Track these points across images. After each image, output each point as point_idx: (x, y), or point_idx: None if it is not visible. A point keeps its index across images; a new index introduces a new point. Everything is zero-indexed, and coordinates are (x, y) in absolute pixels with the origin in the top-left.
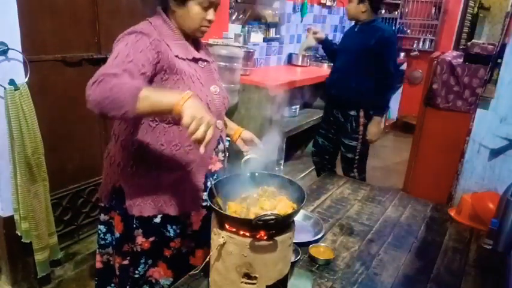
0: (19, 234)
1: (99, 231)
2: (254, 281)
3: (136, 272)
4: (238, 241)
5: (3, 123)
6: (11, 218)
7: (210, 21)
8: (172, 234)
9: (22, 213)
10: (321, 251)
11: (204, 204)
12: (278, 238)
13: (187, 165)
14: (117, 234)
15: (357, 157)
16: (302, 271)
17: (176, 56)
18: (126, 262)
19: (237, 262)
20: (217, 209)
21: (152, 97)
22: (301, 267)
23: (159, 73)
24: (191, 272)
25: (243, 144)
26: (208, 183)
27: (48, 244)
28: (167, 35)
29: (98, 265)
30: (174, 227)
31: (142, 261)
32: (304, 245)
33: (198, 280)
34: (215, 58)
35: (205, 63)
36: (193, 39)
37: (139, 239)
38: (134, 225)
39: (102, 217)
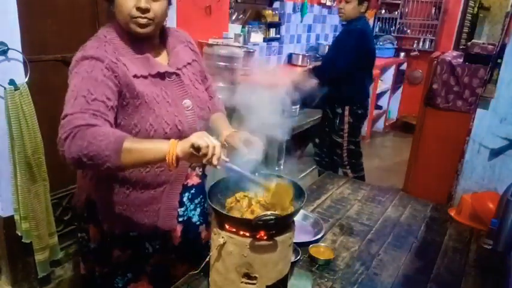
0: (19, 234)
1: (81, 239)
2: (254, 281)
3: (115, 283)
4: (238, 241)
5: (3, 123)
6: (11, 218)
7: (141, 10)
8: (151, 251)
9: (22, 213)
10: (321, 251)
11: (180, 219)
12: (278, 238)
13: (159, 185)
14: (94, 245)
15: (344, 154)
16: (302, 271)
17: (135, 76)
18: (106, 270)
19: (237, 262)
20: (217, 209)
21: (136, 148)
22: (301, 267)
23: (119, 98)
24: (191, 272)
25: (243, 147)
26: (184, 199)
27: (48, 244)
28: (123, 51)
29: (82, 271)
30: (152, 243)
31: (119, 272)
32: (304, 245)
33: (198, 280)
34: (215, 58)
35: (174, 76)
36: (160, 44)
37: (116, 252)
38: (109, 239)
39: (82, 225)
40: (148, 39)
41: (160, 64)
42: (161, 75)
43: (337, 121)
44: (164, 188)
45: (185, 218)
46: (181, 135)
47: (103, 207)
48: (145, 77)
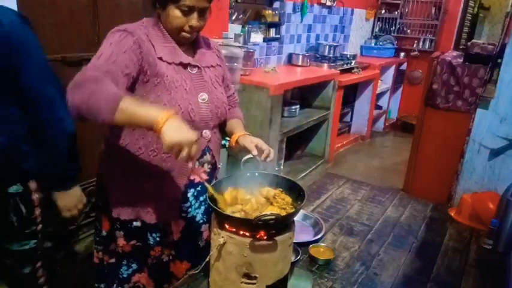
0: None
1: (96, 228)
2: (254, 281)
3: (120, 273)
4: (238, 241)
5: None
6: None
7: (192, 28)
8: (152, 242)
9: None
10: (321, 251)
11: (183, 215)
12: (278, 238)
13: (166, 173)
14: (104, 233)
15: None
16: (302, 271)
17: (160, 58)
18: (113, 261)
19: (237, 262)
20: (217, 208)
21: (130, 110)
22: (301, 267)
23: (141, 74)
24: (191, 272)
25: (254, 148)
26: (189, 195)
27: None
28: (155, 37)
29: (95, 260)
30: (154, 234)
31: (124, 262)
32: (304, 245)
33: (198, 280)
34: None
35: (196, 69)
36: (193, 43)
37: (121, 241)
38: (115, 227)
39: (97, 214)
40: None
41: (185, 55)
42: (184, 65)
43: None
44: (170, 176)
45: (189, 214)
46: (192, 125)
47: (112, 193)
48: (169, 63)
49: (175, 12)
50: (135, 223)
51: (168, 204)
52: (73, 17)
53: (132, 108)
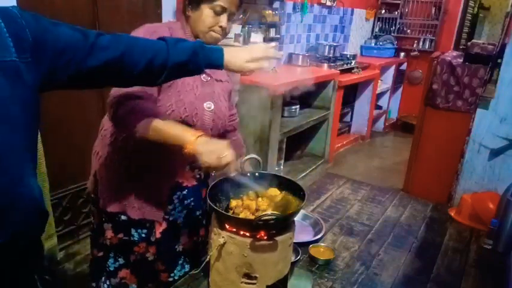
0: None
1: (91, 223)
2: (254, 281)
3: (107, 265)
4: (238, 241)
5: None
6: None
7: (222, 28)
8: (136, 238)
9: None
10: (321, 251)
11: (166, 216)
12: (278, 238)
13: (154, 173)
14: (95, 225)
15: None
16: (302, 271)
17: None
18: (101, 254)
19: (237, 262)
20: (217, 208)
21: (162, 131)
22: (301, 267)
23: None
24: (191, 272)
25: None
26: (175, 197)
27: (47, 246)
28: (179, 37)
29: (91, 256)
30: (139, 230)
31: (111, 255)
32: (304, 245)
33: (198, 280)
34: None
35: (209, 78)
36: None
37: (109, 233)
38: (104, 219)
39: (91, 208)
40: None
41: None
42: None
43: None
44: (157, 177)
45: (171, 217)
46: (193, 128)
47: (102, 184)
48: None
49: (207, 12)
50: (122, 217)
51: (153, 204)
52: (73, 17)
53: (164, 128)
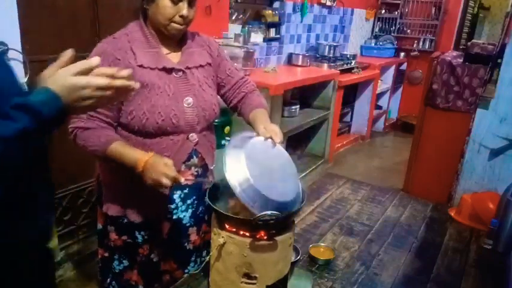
0: None
1: (97, 222)
2: (254, 281)
3: (112, 267)
4: (238, 241)
5: None
6: None
7: (183, 17)
8: (140, 241)
9: None
10: (321, 251)
11: (169, 216)
12: (278, 238)
13: None
14: (100, 226)
15: None
16: (302, 271)
17: (140, 66)
18: (106, 254)
19: (237, 262)
20: (217, 208)
21: (117, 155)
22: (301, 267)
23: None
24: (191, 272)
25: (264, 132)
26: (175, 196)
27: None
28: (138, 43)
29: (99, 256)
30: (142, 232)
31: (116, 257)
32: (303, 245)
33: (198, 280)
34: None
35: (181, 73)
36: (177, 43)
37: (113, 235)
38: (107, 221)
39: (98, 209)
40: (169, 38)
41: (169, 60)
42: (167, 70)
43: None
44: None
45: (174, 216)
46: (176, 129)
47: (105, 187)
48: (152, 69)
49: (165, 2)
50: (125, 220)
51: (153, 205)
52: (73, 17)
53: (118, 152)
